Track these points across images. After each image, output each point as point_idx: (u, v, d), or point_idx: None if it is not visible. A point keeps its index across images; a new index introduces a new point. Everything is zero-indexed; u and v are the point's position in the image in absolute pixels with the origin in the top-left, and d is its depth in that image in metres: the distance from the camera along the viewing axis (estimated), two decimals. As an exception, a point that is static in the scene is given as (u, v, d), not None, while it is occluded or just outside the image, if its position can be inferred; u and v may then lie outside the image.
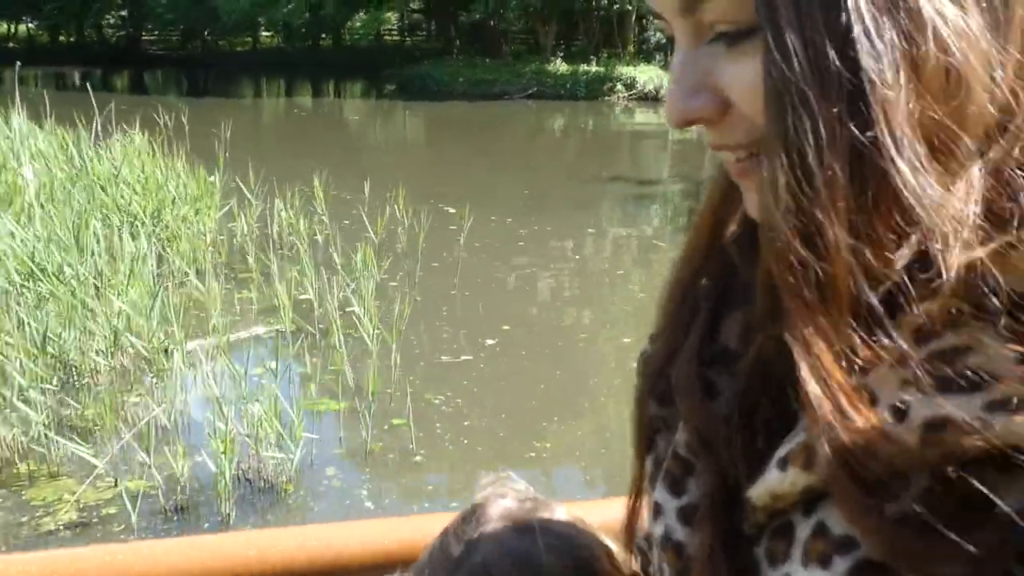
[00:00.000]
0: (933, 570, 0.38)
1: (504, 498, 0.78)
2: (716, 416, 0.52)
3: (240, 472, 4.09)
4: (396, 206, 8.50)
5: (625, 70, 26.68)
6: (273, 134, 17.29)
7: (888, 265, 0.41)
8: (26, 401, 4.28)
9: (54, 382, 4.55)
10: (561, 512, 0.79)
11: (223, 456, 3.88)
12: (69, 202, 6.17)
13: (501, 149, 17.01)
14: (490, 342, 6.03)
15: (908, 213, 0.40)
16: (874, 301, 0.41)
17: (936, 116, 0.40)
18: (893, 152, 0.39)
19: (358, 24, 38.21)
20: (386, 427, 4.71)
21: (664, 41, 29.78)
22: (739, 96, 0.45)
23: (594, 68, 27.28)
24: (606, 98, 25.42)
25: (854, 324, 0.41)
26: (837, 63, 0.40)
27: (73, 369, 4.72)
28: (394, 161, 13.84)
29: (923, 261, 0.41)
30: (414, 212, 8.29)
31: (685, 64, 0.48)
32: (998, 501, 0.37)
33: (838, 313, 0.41)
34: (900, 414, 0.39)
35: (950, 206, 0.40)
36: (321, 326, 6.01)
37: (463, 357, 5.75)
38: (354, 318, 5.64)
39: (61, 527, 3.82)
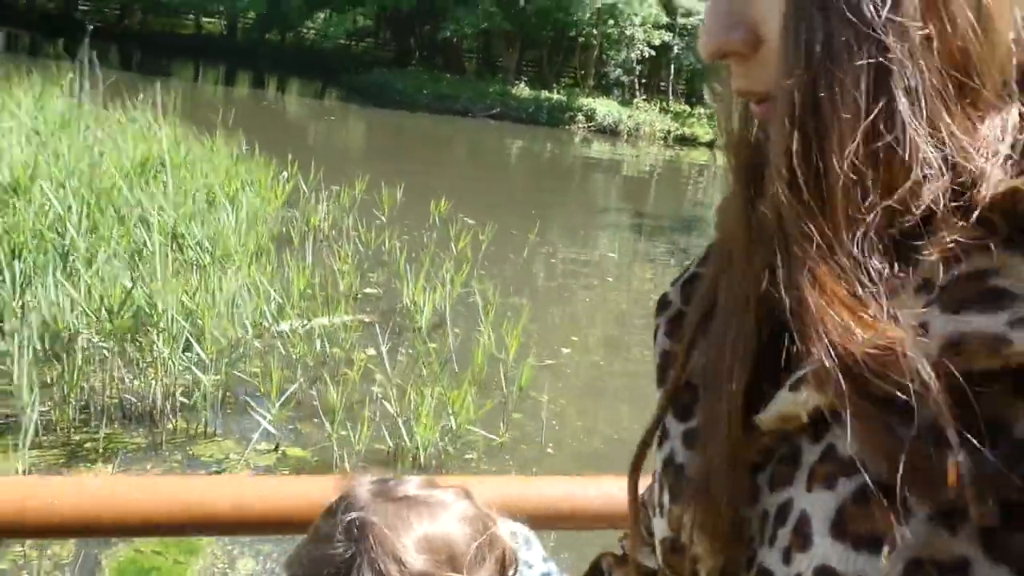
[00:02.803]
0: (939, 492, 0.37)
1: (363, 485, 0.86)
2: (723, 346, 0.51)
3: (401, 451, 4.33)
4: (436, 215, 8.92)
5: (586, 101, 27.48)
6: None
7: (898, 192, 0.41)
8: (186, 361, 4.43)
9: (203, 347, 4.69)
10: (415, 481, 0.88)
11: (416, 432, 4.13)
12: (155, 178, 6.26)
13: (490, 165, 17.38)
14: (565, 351, 6.39)
15: (916, 142, 0.40)
16: (867, 219, 0.41)
17: (959, 51, 0.41)
18: (902, 81, 0.40)
19: (319, 22, 37.80)
20: (507, 421, 5.01)
21: (622, 78, 30.72)
22: (771, 31, 0.45)
23: (556, 96, 27.98)
24: (567, 127, 26.12)
25: (855, 245, 0.41)
26: None
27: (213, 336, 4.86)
28: (405, 168, 14.02)
29: (957, 191, 0.41)
30: (454, 222, 8.61)
31: None
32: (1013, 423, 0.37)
33: (836, 233, 0.41)
34: (921, 332, 0.38)
35: (971, 139, 0.41)
36: (400, 320, 6.28)
37: (547, 361, 6.08)
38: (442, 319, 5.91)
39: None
